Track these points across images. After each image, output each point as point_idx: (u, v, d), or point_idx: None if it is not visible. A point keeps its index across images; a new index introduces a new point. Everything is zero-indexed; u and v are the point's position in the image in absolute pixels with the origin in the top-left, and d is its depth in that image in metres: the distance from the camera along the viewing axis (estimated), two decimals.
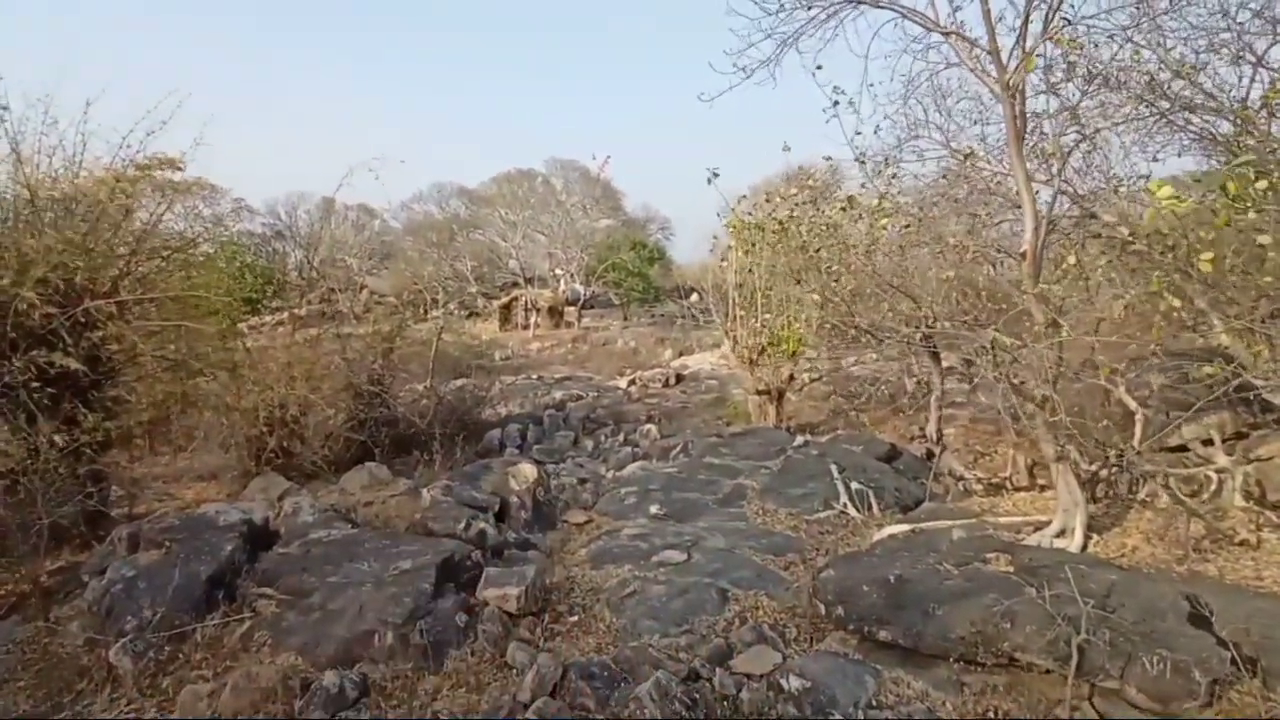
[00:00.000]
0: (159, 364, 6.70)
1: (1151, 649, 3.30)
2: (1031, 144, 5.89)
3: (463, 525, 5.71)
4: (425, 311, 25.60)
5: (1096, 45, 5.18)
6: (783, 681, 3.74)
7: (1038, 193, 5.13)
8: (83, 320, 5.97)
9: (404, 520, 5.97)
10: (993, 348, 4.55)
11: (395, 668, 4.01)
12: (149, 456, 8.35)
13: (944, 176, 7.05)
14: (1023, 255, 4.77)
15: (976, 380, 5.42)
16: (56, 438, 5.37)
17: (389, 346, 9.90)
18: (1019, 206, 6.47)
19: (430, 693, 3.86)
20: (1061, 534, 4.87)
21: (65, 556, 5.79)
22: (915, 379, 8.70)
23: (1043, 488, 6.37)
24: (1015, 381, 4.73)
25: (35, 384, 5.59)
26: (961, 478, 7.11)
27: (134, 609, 4.41)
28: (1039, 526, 5.04)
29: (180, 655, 4.17)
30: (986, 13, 4.76)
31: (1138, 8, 5.11)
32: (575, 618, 4.79)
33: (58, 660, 4.24)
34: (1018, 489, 6.61)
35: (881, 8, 5.12)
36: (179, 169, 6.83)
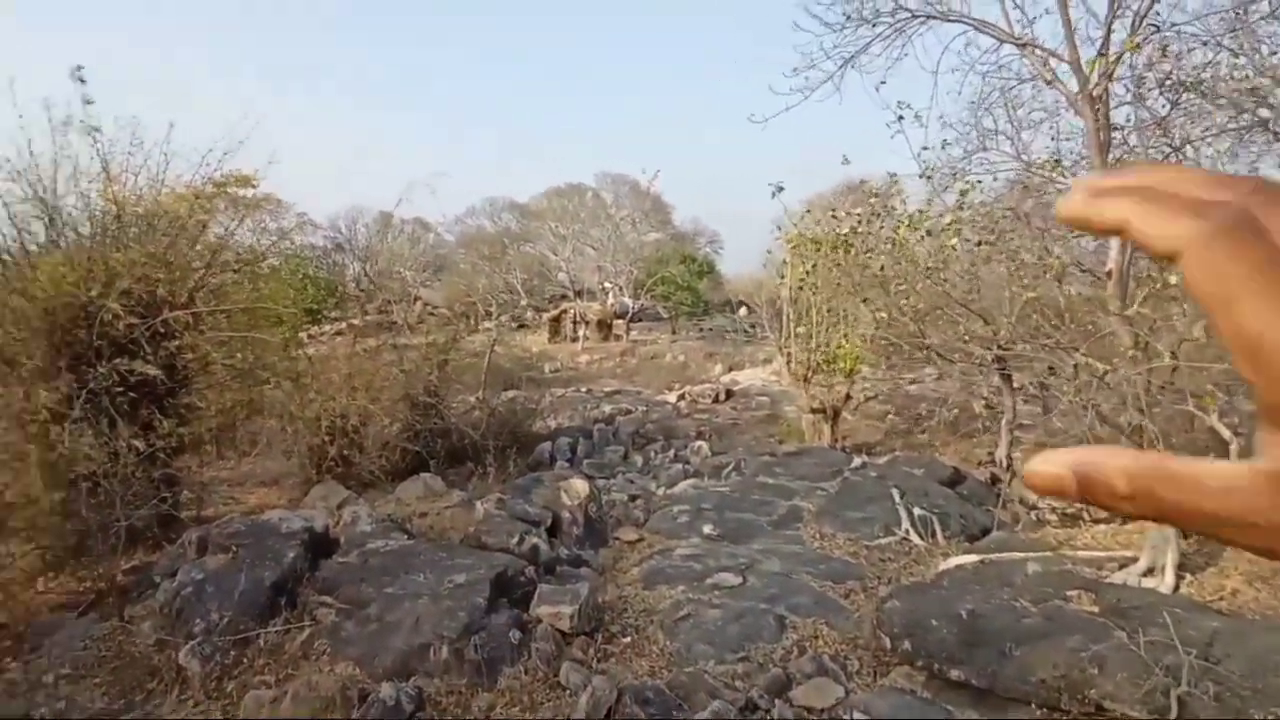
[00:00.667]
0: (229, 372, 6.88)
1: (1265, 706, 3.03)
2: (1114, 158, 5.63)
3: (515, 540, 5.67)
4: (476, 323, 25.89)
5: (1190, 51, 4.91)
6: (846, 718, 3.57)
7: None
8: (161, 330, 6.18)
9: (458, 532, 5.96)
10: (1076, 371, 4.30)
11: (450, 682, 3.98)
12: (215, 461, 8.54)
13: (1019, 187, 6.80)
14: (1108, 274, 4.53)
15: (1050, 402, 5.14)
16: (135, 442, 5.52)
17: (444, 358, 9.99)
18: None
19: (484, 710, 3.82)
20: (1150, 572, 4.56)
21: (139, 556, 5.94)
22: (984, 401, 8.38)
23: (1125, 520, 6.02)
24: (1100, 407, 4.47)
25: (118, 391, 5.77)
26: (1034, 506, 6.77)
27: (202, 612, 4.48)
28: (1124, 563, 4.74)
29: (244, 660, 4.23)
30: (1066, 21, 4.57)
31: (1234, 13, 4.83)
32: (628, 639, 4.71)
33: (130, 659, 4.34)
34: (1096, 521, 6.26)
35: (952, 21, 4.95)
36: (253, 186, 7.01)
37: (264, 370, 7.40)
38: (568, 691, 4.00)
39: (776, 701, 3.80)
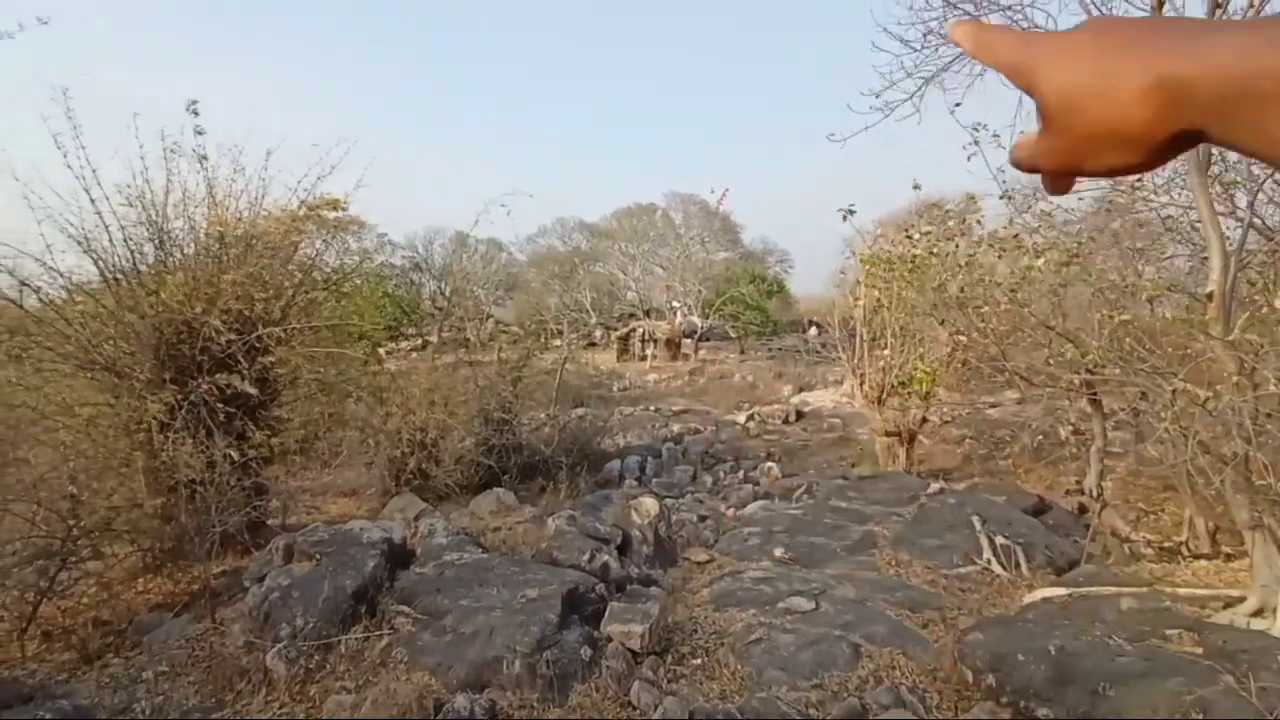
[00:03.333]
0: (315, 386, 7.20)
1: None
2: (1216, 174, 5.37)
3: (586, 556, 5.71)
4: (547, 341, 26.35)
5: None
6: None
7: (1230, 227, 4.62)
8: (256, 345, 6.49)
9: (530, 547, 6.05)
10: (1173, 398, 4.09)
11: (522, 696, 4.02)
12: (300, 472, 8.91)
13: (1106, 208, 6.55)
14: (1208, 297, 4.30)
15: (1143, 430, 4.88)
16: (231, 452, 5.80)
17: (517, 375, 10.19)
18: (1183, 241, 5.91)
19: None
20: (1259, 613, 4.26)
21: (230, 561, 6.24)
22: (1071, 427, 8.03)
23: (1228, 556, 5.65)
24: (1200, 436, 4.23)
25: (216, 402, 6.11)
26: (1127, 539, 6.42)
27: (288, 617, 4.66)
28: (1230, 602, 4.44)
29: (327, 665, 4.37)
30: None
31: None
32: (698, 661, 4.67)
33: (221, 659, 4.54)
34: (1197, 556, 5.88)
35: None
36: (342, 209, 7.34)
37: (347, 384, 7.70)
38: (638, 711, 3.99)
39: None
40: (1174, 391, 4.07)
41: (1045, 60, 0.47)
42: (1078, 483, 7.89)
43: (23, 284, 6.39)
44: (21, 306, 6.52)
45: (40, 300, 6.62)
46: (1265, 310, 4.02)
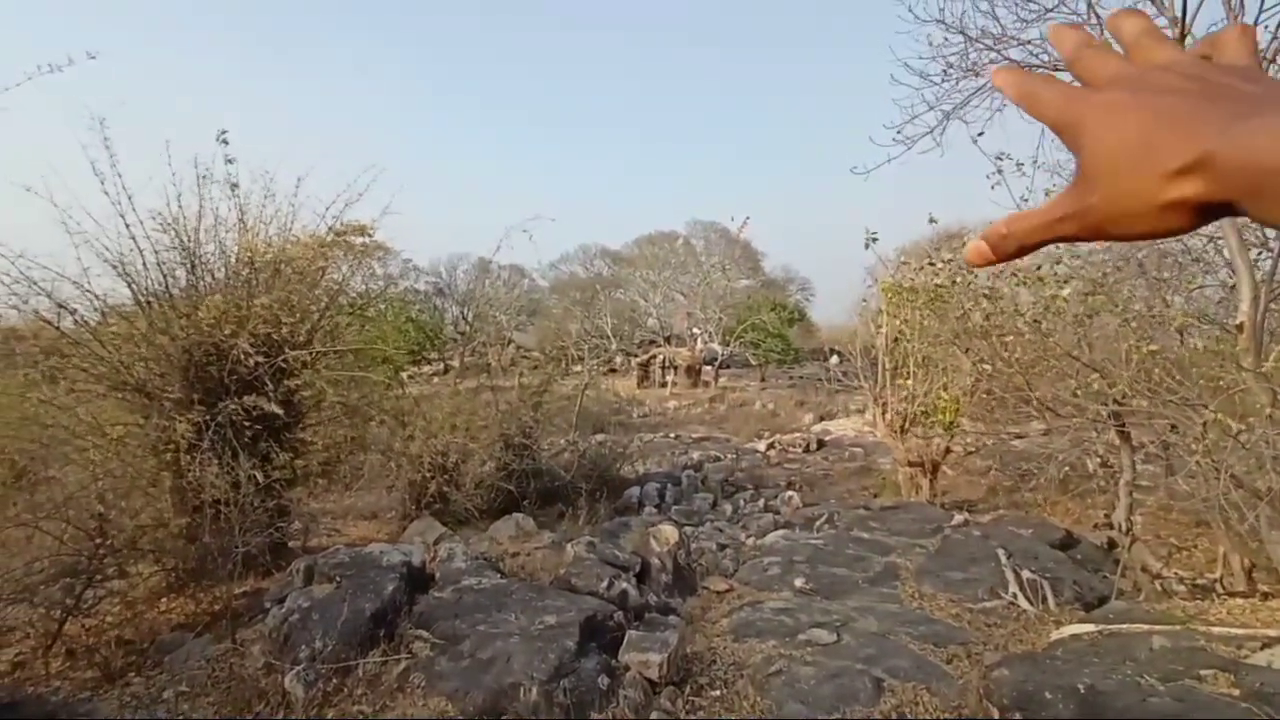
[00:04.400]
0: (339, 409, 7.29)
1: None
2: None
3: (605, 584, 5.68)
4: (568, 367, 26.47)
5: None
6: None
7: (1259, 257, 4.56)
8: (282, 368, 6.58)
9: (548, 574, 6.03)
10: (1205, 430, 4.02)
11: None
12: (321, 495, 8.98)
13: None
14: (1238, 328, 4.23)
15: (1173, 463, 4.78)
16: (256, 473, 5.87)
17: (538, 400, 10.23)
18: (1209, 271, 5.84)
19: None
20: None
21: (251, 582, 6.28)
22: (1099, 459, 7.89)
23: (1265, 595, 5.48)
24: (1231, 468, 4.15)
25: (243, 424, 6.19)
26: (1158, 575, 6.26)
27: (307, 639, 4.67)
28: (1267, 643, 4.31)
29: (344, 688, 4.38)
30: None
31: None
32: (717, 692, 4.61)
33: (240, 680, 4.55)
34: (1232, 594, 5.71)
35: (1060, 70, 4.82)
36: (369, 235, 7.47)
37: (370, 407, 7.77)
38: None
39: None
40: (1205, 424, 4.00)
41: (1092, 122, 0.48)
42: (1106, 516, 7.72)
43: (60, 306, 6.54)
44: (58, 328, 6.67)
45: (75, 322, 6.77)
46: None
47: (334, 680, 4.43)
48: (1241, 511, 4.23)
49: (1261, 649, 4.26)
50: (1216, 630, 4.49)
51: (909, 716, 4.21)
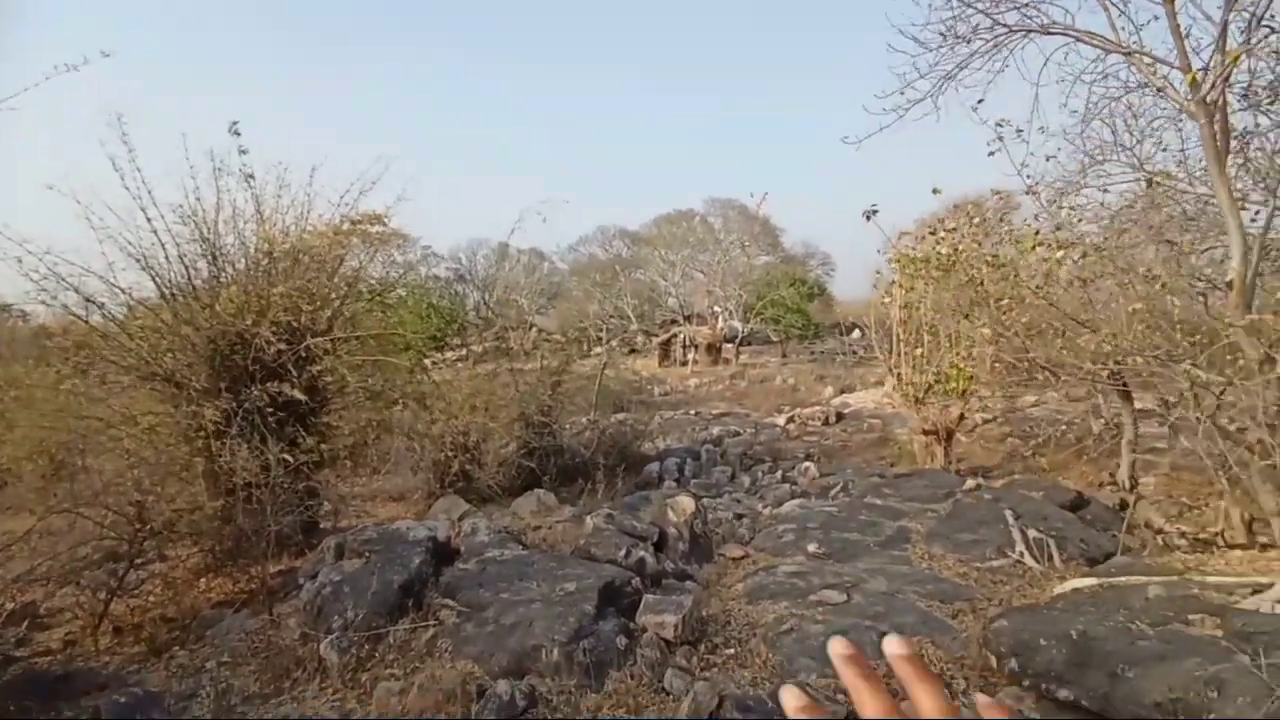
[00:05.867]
0: (362, 394, 7.54)
1: None
2: (1240, 163, 5.33)
3: (623, 553, 5.88)
4: (588, 348, 26.67)
5: None
6: None
7: (1257, 214, 4.59)
8: (304, 355, 6.83)
9: (568, 545, 6.24)
10: (1191, 386, 4.10)
11: (560, 683, 4.19)
12: (350, 477, 9.28)
13: (1131, 205, 6.50)
14: (1229, 284, 4.29)
15: (1174, 421, 4.83)
16: (285, 457, 6.13)
17: (557, 380, 10.43)
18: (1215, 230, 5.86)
19: (592, 710, 4.00)
20: None
21: (285, 561, 6.57)
22: (1103, 420, 7.93)
23: (1265, 546, 5.55)
24: (1222, 424, 4.23)
25: (268, 410, 6.44)
26: (1161, 531, 6.34)
27: (340, 610, 4.92)
28: (1258, 589, 4.41)
29: (376, 654, 4.62)
30: (1175, 28, 4.38)
31: None
32: (731, 650, 4.78)
33: (279, 650, 4.81)
34: (1232, 546, 5.79)
35: (1052, 34, 4.85)
36: (384, 223, 7.66)
37: (393, 392, 8.01)
38: (671, 696, 4.12)
39: None
40: (1189, 379, 4.08)
41: None
42: (1111, 476, 7.79)
43: (88, 300, 6.82)
44: (87, 322, 6.96)
45: (104, 316, 7.05)
46: None
47: (366, 647, 4.68)
48: (1237, 466, 4.30)
49: (1252, 594, 4.37)
50: (1211, 579, 4.59)
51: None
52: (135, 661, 5.00)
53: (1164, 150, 6.36)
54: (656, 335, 38.51)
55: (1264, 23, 4.25)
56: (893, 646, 0.59)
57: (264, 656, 4.84)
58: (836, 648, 0.59)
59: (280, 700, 4.32)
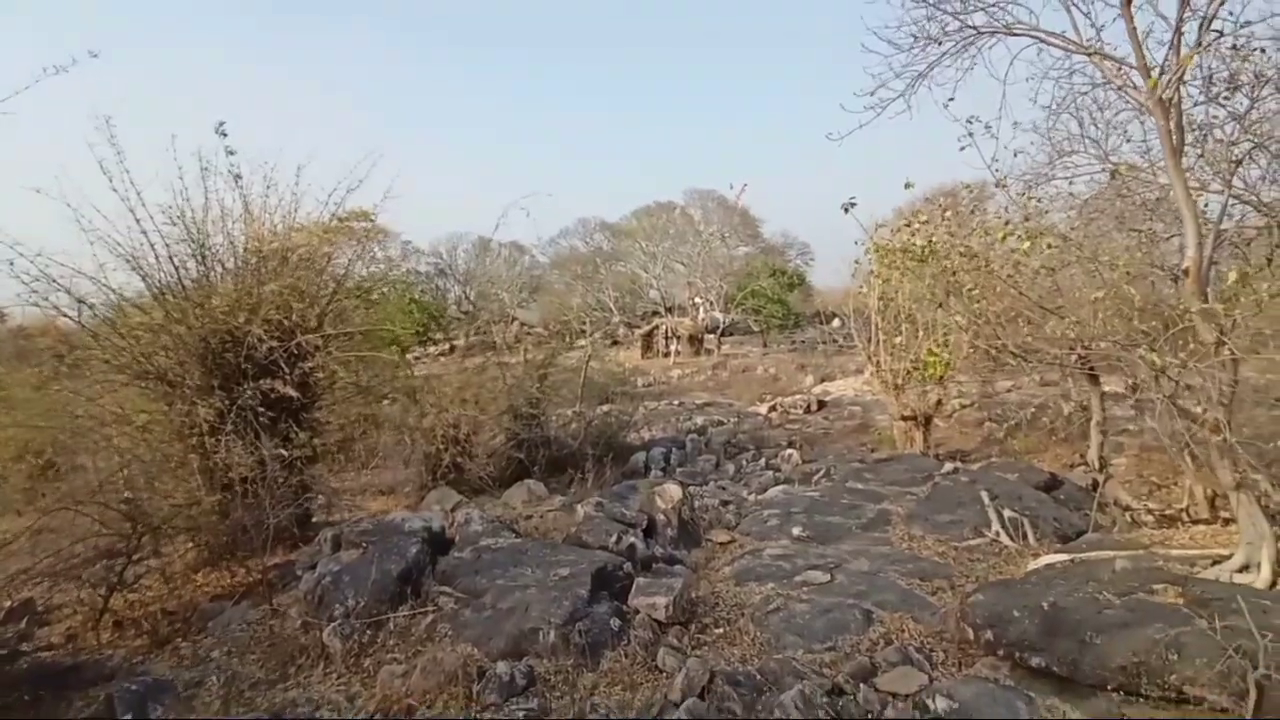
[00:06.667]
0: (352, 389, 7.64)
1: None
2: (1200, 152, 5.58)
3: (614, 539, 6.05)
4: (571, 341, 26.76)
5: (1263, 51, 4.84)
6: (929, 702, 3.74)
7: (1205, 206, 4.83)
8: (295, 352, 6.91)
9: (560, 533, 6.41)
10: (1152, 368, 4.34)
11: (558, 663, 4.37)
12: (340, 472, 9.38)
13: (1099, 195, 6.75)
14: (1184, 272, 4.53)
15: (1137, 401, 5.07)
16: (281, 451, 6.22)
17: (544, 373, 10.58)
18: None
19: (589, 688, 4.18)
20: (1245, 569, 4.49)
21: (280, 554, 6.67)
22: (1074, 403, 8.22)
23: (1226, 521, 5.83)
24: (1181, 404, 4.47)
25: (261, 407, 6.53)
26: (1129, 508, 6.63)
27: (340, 598, 5.07)
28: (1218, 560, 4.67)
29: (378, 640, 4.77)
30: (1132, 30, 4.61)
31: None
32: (720, 630, 4.98)
33: (281, 638, 4.95)
34: (1195, 521, 6.08)
35: (1017, 35, 5.06)
36: (371, 220, 7.75)
37: (383, 385, 8.12)
38: (664, 673, 4.32)
39: (861, 686, 4.00)
40: (1147, 361, 4.32)
41: None
42: (1082, 457, 8.09)
43: (80, 301, 6.86)
44: (80, 322, 7.00)
45: (95, 315, 7.08)
46: (1231, 282, 4.26)
47: (368, 633, 4.82)
48: (1196, 445, 4.54)
49: (1212, 565, 4.63)
50: (1174, 552, 4.86)
51: (895, 642, 4.58)
52: (139, 653, 5.11)
53: (1129, 142, 6.63)
54: (639, 327, 38.67)
55: (1212, 27, 4.49)
56: None
57: (267, 645, 4.97)
58: None
59: (286, 686, 4.46)
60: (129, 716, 4.01)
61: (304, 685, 4.45)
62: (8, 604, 5.96)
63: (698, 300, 40.22)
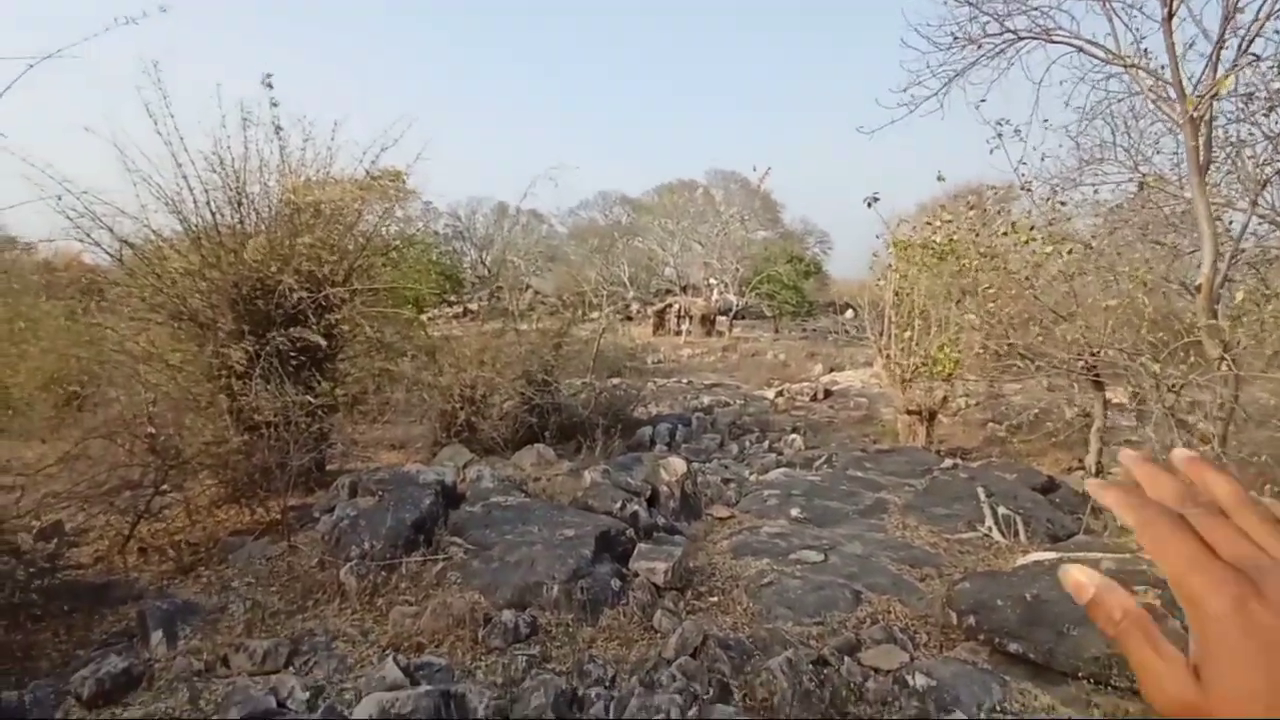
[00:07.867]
0: (373, 343, 7.87)
1: None
2: (1230, 168, 5.68)
3: (618, 505, 6.29)
4: (584, 313, 26.77)
5: None
6: (909, 678, 3.96)
7: (1229, 223, 4.93)
8: (323, 304, 7.13)
9: (567, 496, 6.64)
10: (1156, 379, 4.49)
11: (559, 616, 4.62)
12: (356, 424, 9.65)
13: (1122, 204, 6.83)
14: (1197, 288, 4.66)
15: (1138, 410, 5.20)
16: (307, 397, 6.46)
17: (559, 342, 10.78)
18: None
19: (588, 640, 4.44)
20: None
21: (297, 496, 6.92)
22: (1076, 409, 8.36)
23: None
24: (1180, 415, 4.63)
25: (288, 354, 6.76)
26: None
27: (357, 541, 5.32)
28: None
29: (391, 582, 5.03)
30: (1170, 46, 4.70)
31: None
32: (715, 598, 5.22)
33: (299, 574, 5.22)
34: None
35: (1056, 42, 5.15)
36: (403, 180, 7.91)
37: (404, 342, 8.35)
38: (659, 633, 4.57)
39: (846, 659, 4.22)
40: (1150, 372, 4.47)
41: (1235, 639, 0.42)
42: (1080, 462, 8.25)
43: (123, 241, 7.08)
44: (120, 259, 7.23)
45: (135, 254, 7.31)
46: (1239, 301, 4.39)
47: (382, 575, 5.08)
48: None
49: None
50: None
51: (881, 622, 4.80)
52: (165, 577, 5.40)
53: (1159, 154, 6.70)
54: (652, 304, 38.75)
55: (1252, 49, 4.56)
56: (1181, 452, 0.51)
57: (286, 579, 5.25)
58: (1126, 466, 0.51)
59: (305, 616, 4.73)
60: (159, 632, 4.29)
61: (321, 618, 4.72)
62: (37, 524, 6.25)
63: (712, 281, 40.18)
